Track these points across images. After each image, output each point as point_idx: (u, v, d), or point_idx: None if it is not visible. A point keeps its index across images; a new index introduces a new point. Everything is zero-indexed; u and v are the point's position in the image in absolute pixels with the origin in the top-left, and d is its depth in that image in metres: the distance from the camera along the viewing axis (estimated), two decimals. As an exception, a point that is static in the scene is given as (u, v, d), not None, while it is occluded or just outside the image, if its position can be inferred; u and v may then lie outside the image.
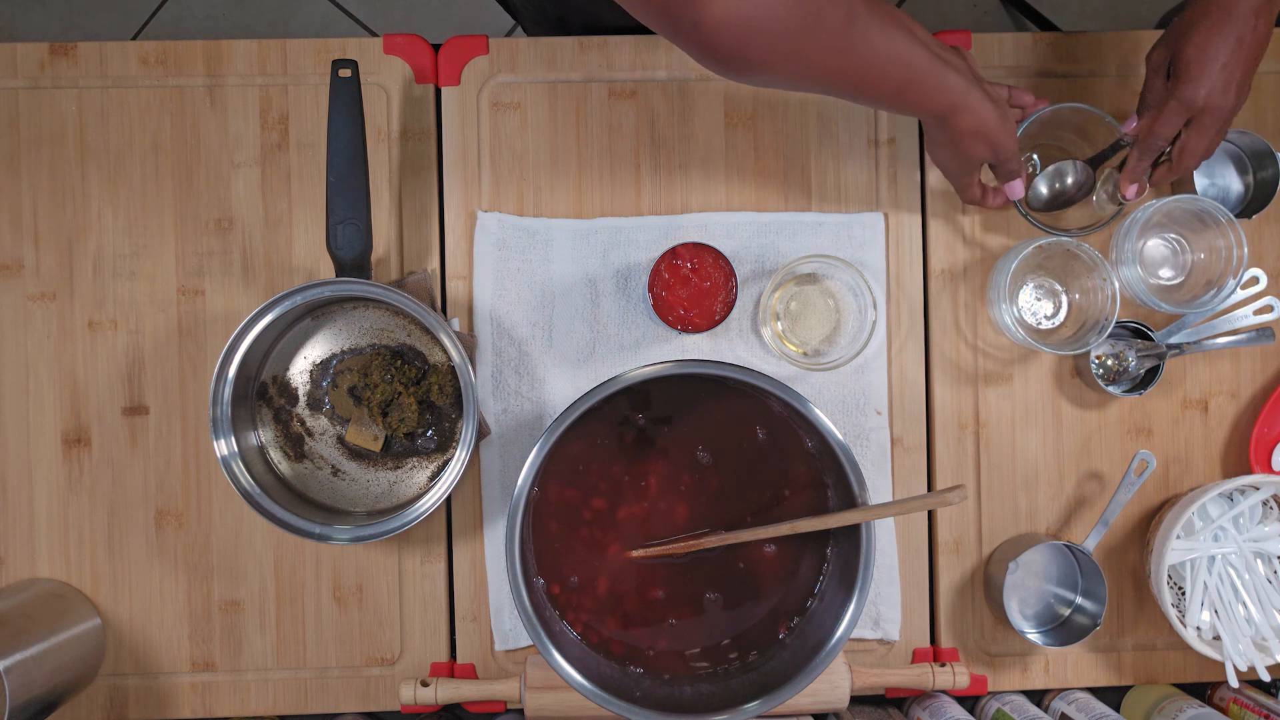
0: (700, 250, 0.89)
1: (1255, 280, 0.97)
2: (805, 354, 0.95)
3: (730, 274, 0.89)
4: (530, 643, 0.92)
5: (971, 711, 0.98)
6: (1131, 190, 0.88)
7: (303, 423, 0.95)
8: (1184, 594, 0.95)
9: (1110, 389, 0.95)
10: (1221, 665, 0.92)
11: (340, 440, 0.95)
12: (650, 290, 0.89)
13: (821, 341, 0.95)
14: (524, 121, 0.97)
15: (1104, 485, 0.98)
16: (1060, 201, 0.94)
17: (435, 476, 0.95)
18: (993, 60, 0.98)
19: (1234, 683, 0.91)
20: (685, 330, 0.90)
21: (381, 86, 0.97)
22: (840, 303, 0.95)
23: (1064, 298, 0.97)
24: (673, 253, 0.89)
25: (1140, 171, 0.87)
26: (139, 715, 0.95)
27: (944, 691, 0.96)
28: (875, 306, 0.91)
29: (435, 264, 0.97)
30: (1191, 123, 0.82)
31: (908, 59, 0.75)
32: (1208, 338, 0.96)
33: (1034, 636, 0.95)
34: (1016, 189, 0.87)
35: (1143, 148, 0.86)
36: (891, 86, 0.75)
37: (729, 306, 0.90)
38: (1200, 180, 0.97)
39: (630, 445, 0.84)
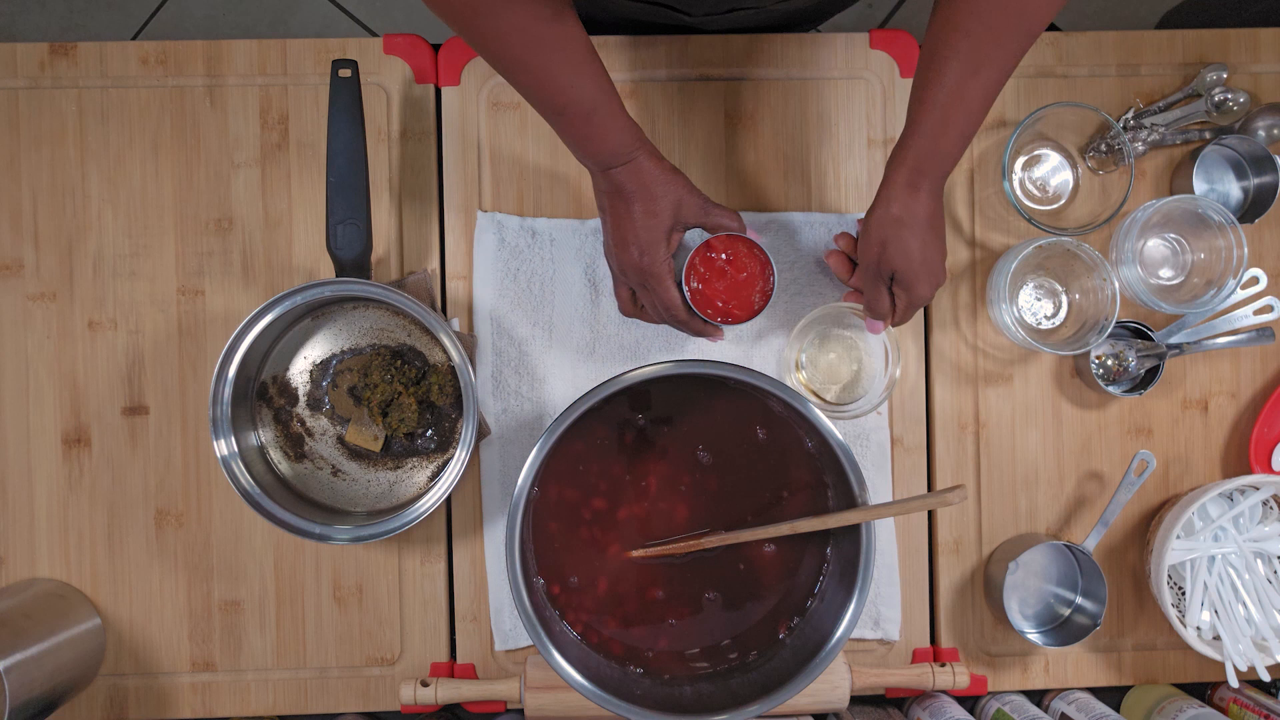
0: (734, 241, 0.88)
1: (1255, 280, 0.97)
2: (830, 400, 0.95)
3: (766, 263, 0.88)
4: (530, 643, 0.92)
5: (971, 711, 0.98)
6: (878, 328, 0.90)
7: (303, 423, 0.95)
8: (1184, 594, 0.95)
9: (1110, 389, 0.95)
10: (1221, 665, 0.92)
11: (340, 440, 0.95)
12: (686, 284, 0.88)
13: (843, 389, 0.96)
14: (524, 121, 0.97)
15: (1104, 485, 0.98)
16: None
17: (435, 476, 0.95)
18: (993, 60, 0.98)
19: (1234, 683, 0.91)
20: (725, 322, 0.88)
21: (381, 86, 0.97)
22: (862, 349, 0.96)
23: (1064, 298, 0.97)
24: (707, 245, 0.88)
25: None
26: (139, 715, 0.95)
27: (944, 691, 0.96)
28: (896, 353, 0.92)
29: (435, 264, 0.97)
30: (911, 307, 0.86)
31: (600, 88, 0.77)
32: (1208, 338, 0.96)
33: (1034, 636, 0.95)
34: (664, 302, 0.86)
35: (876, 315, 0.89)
36: (577, 103, 0.77)
37: (767, 296, 0.89)
38: (1199, 185, 0.97)
39: (630, 445, 0.84)
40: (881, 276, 0.85)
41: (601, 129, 0.78)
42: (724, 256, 0.88)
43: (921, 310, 0.98)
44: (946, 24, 0.76)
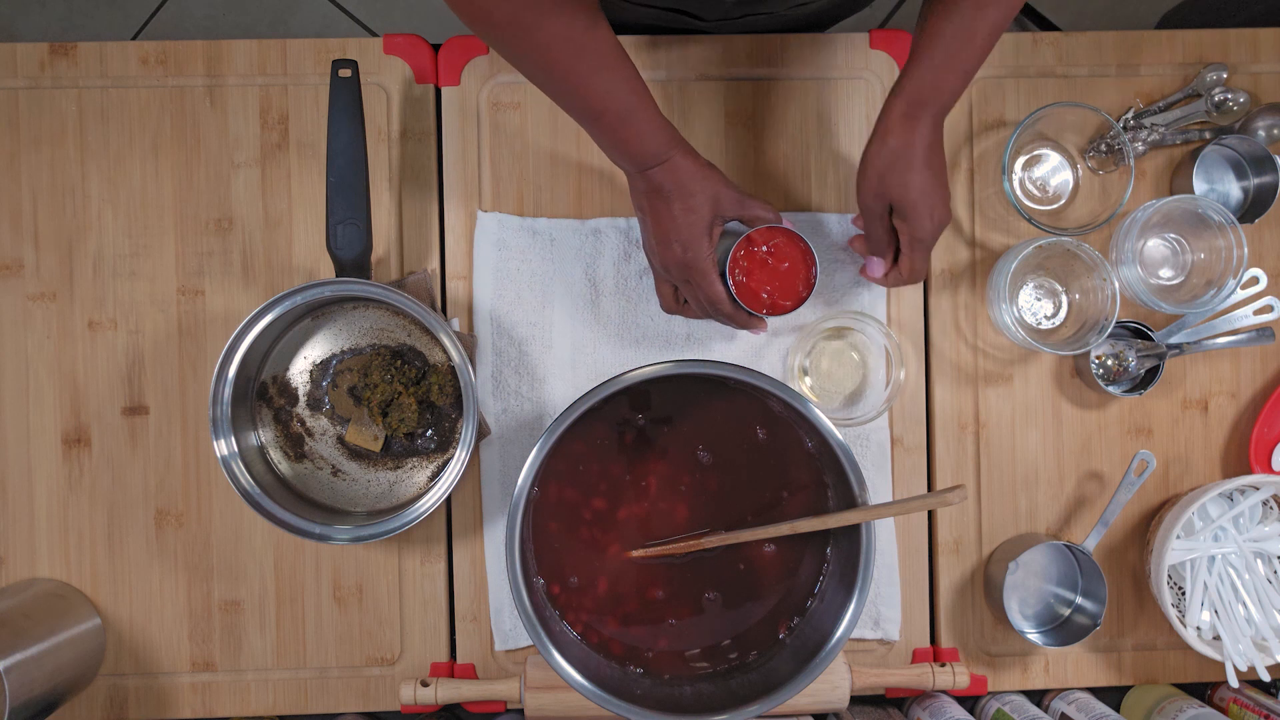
0: (773, 233, 0.88)
1: (1255, 280, 0.97)
2: (834, 406, 0.95)
3: (808, 251, 0.89)
4: (530, 643, 0.92)
5: (971, 711, 0.98)
6: (878, 271, 0.89)
7: (303, 423, 0.95)
8: (1184, 594, 0.95)
9: (1110, 389, 0.95)
10: (1221, 665, 0.92)
11: (340, 440, 0.95)
12: (730, 277, 0.88)
13: (849, 395, 0.96)
14: (524, 121, 0.97)
15: (1104, 485, 0.98)
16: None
17: (435, 476, 0.95)
18: (993, 60, 0.98)
19: (1234, 683, 0.91)
20: (772, 313, 0.89)
21: (381, 86, 0.97)
22: (866, 356, 0.95)
23: (1064, 298, 0.97)
24: (747, 239, 0.88)
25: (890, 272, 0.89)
26: (139, 715, 0.95)
27: (944, 691, 0.96)
28: (899, 360, 0.92)
29: (435, 264, 0.97)
30: (916, 245, 0.85)
31: (635, 91, 0.78)
32: (1208, 338, 0.96)
33: (1034, 636, 0.95)
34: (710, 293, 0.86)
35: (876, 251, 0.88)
36: (614, 108, 0.77)
37: (811, 284, 0.89)
38: (1199, 185, 0.97)
39: (630, 445, 0.84)
40: (880, 209, 0.84)
41: (638, 131, 0.79)
42: (765, 248, 0.88)
43: (921, 308, 0.98)
44: None
